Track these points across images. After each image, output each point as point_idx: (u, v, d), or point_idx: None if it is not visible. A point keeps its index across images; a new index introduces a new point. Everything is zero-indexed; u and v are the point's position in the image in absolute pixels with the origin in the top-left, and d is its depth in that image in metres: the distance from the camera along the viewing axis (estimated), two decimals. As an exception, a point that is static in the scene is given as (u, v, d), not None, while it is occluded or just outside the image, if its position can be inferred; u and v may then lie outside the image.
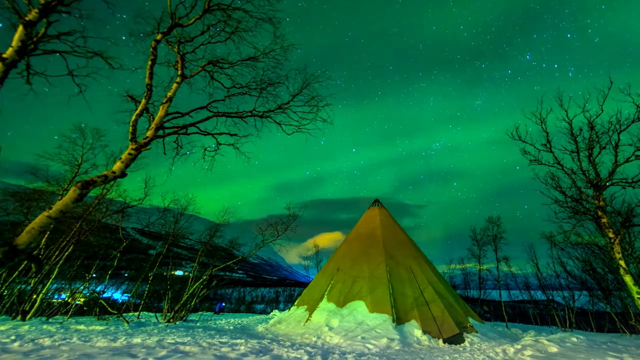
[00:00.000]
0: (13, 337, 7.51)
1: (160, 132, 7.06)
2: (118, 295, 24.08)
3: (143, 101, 6.54)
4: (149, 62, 6.64)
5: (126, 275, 27.43)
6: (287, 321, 12.79)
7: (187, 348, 7.12)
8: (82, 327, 10.48)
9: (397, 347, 9.20)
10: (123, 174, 6.06)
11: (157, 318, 14.31)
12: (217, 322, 14.75)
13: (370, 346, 9.08)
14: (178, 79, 7.15)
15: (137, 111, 6.41)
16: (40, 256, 11.90)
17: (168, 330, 10.23)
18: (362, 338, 9.75)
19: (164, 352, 6.55)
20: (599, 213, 8.01)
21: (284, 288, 69.55)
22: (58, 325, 10.41)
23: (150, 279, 15.93)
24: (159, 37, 6.83)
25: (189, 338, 8.49)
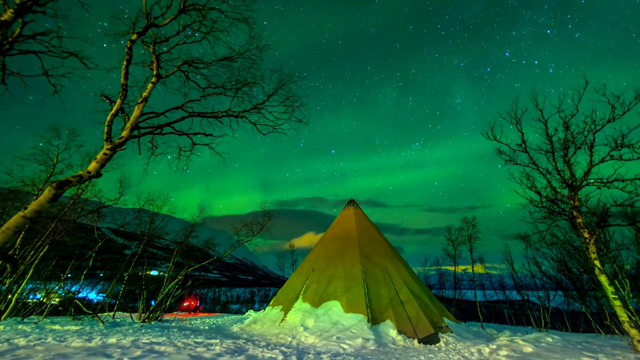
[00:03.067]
0: (-13, 337, 7.83)
1: (136, 132, 7.45)
2: (93, 295, 24.72)
3: (118, 101, 6.89)
4: (124, 62, 6.93)
5: (101, 275, 28.09)
6: (262, 321, 13.30)
7: (163, 348, 7.46)
8: (57, 327, 10.83)
9: (373, 347, 9.72)
10: (98, 174, 6.42)
11: (132, 318, 14.85)
12: (192, 322, 15.27)
13: (346, 346, 9.59)
14: (153, 79, 7.49)
15: (112, 111, 6.72)
16: (16, 256, 12.11)
17: (143, 330, 10.64)
18: (338, 338, 10.28)
19: (139, 352, 6.90)
20: (574, 213, 8.51)
21: (259, 288, 71.25)
22: (33, 325, 10.76)
23: (126, 279, 16.49)
24: (134, 37, 7.19)
25: (164, 338, 8.90)
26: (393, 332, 11.00)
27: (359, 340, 10.04)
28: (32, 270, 12.52)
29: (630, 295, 8.87)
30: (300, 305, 12.91)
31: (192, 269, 15.69)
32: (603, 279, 8.17)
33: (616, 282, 8.98)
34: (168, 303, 14.97)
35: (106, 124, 6.61)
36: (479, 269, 19.60)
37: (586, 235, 8.27)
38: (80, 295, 17.01)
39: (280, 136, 8.95)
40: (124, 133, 6.88)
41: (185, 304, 24.62)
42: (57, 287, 14.68)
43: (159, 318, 15.09)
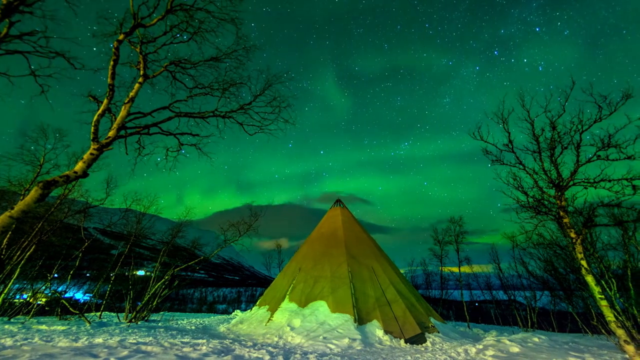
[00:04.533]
0: (-27, 338, 7.96)
1: (123, 132, 7.75)
2: (80, 295, 25.04)
3: (105, 101, 7.08)
4: (111, 62, 7.11)
5: (88, 275, 28.45)
6: (249, 321, 13.57)
7: (149, 348, 7.65)
8: (43, 327, 11.08)
9: (359, 347, 9.96)
10: (85, 174, 6.61)
11: (119, 318, 15.08)
12: (179, 322, 15.58)
13: (332, 346, 9.82)
14: (140, 79, 7.70)
15: (99, 111, 6.90)
16: (2, 256, 12.42)
17: (130, 330, 10.90)
18: (324, 338, 10.53)
19: (125, 352, 7.05)
20: (561, 213, 8.65)
21: (246, 288, 72.77)
22: (20, 325, 11.04)
23: (112, 279, 16.75)
24: (121, 37, 7.38)
25: (150, 338, 9.17)
26: (380, 332, 11.26)
27: (346, 340, 10.29)
28: (18, 270, 12.70)
29: (617, 295, 9.12)
30: (286, 305, 13.21)
31: (178, 269, 16.01)
32: (590, 279, 8.44)
33: (603, 282, 9.22)
34: (155, 303, 15.26)
35: (93, 124, 6.82)
36: (465, 269, 20.18)
37: (573, 235, 8.54)
38: (66, 295, 17.32)
39: (268, 137, 9.32)
40: (111, 133, 7.08)
41: None
42: (43, 287, 14.88)
43: (146, 318, 15.37)
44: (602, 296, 8.21)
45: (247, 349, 8.45)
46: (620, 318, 8.80)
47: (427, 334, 11.88)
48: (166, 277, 15.52)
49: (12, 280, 12.76)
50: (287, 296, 13.81)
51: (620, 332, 7.76)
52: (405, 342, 11.18)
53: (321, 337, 10.67)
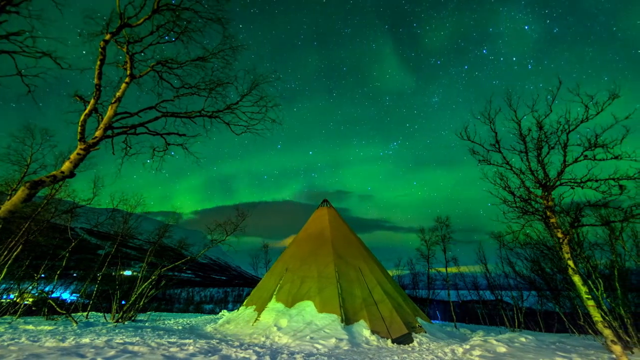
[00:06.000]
0: (-40, 338, 8.02)
1: (109, 132, 7.97)
2: (67, 295, 25.29)
3: (92, 101, 7.23)
4: (98, 62, 7.29)
5: (75, 275, 28.84)
6: (235, 321, 13.76)
7: (136, 348, 7.77)
8: (30, 327, 11.26)
9: (346, 347, 10.20)
10: (72, 174, 6.77)
11: (105, 318, 15.28)
12: (166, 322, 15.84)
13: (319, 346, 10.07)
14: (127, 79, 7.89)
15: (86, 111, 7.10)
16: None
17: (117, 330, 11.06)
18: (311, 338, 10.77)
19: (112, 352, 7.18)
20: (548, 213, 8.72)
21: (233, 288, 73.64)
22: (7, 325, 11.20)
23: (99, 279, 17.11)
24: (107, 37, 7.49)
25: (137, 338, 9.34)
26: (366, 332, 11.51)
27: (333, 340, 10.50)
28: (5, 270, 12.89)
29: (604, 295, 9.45)
30: (273, 305, 13.45)
31: (165, 269, 16.24)
32: (576, 279, 8.71)
33: (590, 282, 9.52)
34: (142, 303, 15.49)
35: (80, 124, 7.02)
36: (452, 269, 20.71)
37: (560, 235, 8.83)
38: (53, 295, 17.61)
39: (255, 137, 9.63)
40: (98, 133, 7.30)
41: None
42: (30, 287, 15.10)
43: (133, 318, 15.61)
44: (589, 296, 8.35)
45: (234, 349, 8.59)
46: (607, 318, 9.10)
47: (414, 334, 12.14)
48: (153, 277, 15.76)
49: (-1, 280, 13.09)
50: (274, 296, 14.04)
51: (607, 332, 7.87)
52: (392, 342, 11.36)
53: (308, 337, 10.86)
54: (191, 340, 9.29)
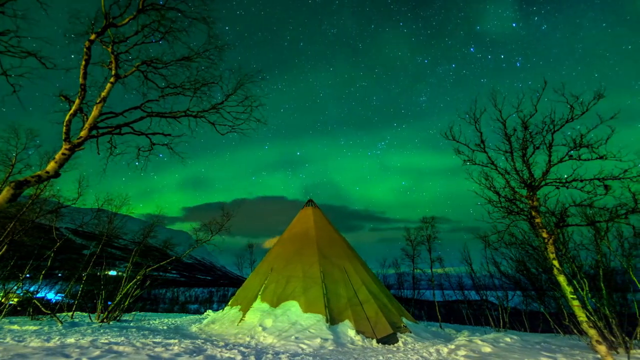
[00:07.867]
0: (-56, 339, 8.14)
1: (94, 132, 8.22)
2: (52, 295, 25.65)
3: (77, 101, 7.36)
4: (83, 62, 7.43)
5: (60, 275, 29.12)
6: (220, 321, 14.03)
7: (121, 348, 8.08)
8: (15, 327, 11.50)
9: (331, 347, 10.51)
10: (57, 174, 6.92)
11: (90, 318, 15.56)
12: (151, 322, 16.09)
13: (304, 346, 10.34)
14: (112, 79, 8.05)
15: (71, 111, 7.26)
16: None
17: (102, 330, 11.24)
18: (296, 338, 11.04)
19: (97, 352, 7.48)
20: (533, 213, 8.83)
21: (218, 288, 73.76)
22: None
23: (84, 279, 17.34)
24: (92, 37, 7.61)
25: (122, 338, 9.53)
26: (352, 332, 11.82)
27: (318, 340, 10.76)
28: (-10, 270, 13.08)
29: (589, 295, 9.82)
30: (258, 305, 13.73)
31: (150, 269, 16.50)
32: (562, 279, 9.06)
33: (575, 282, 9.82)
34: (127, 303, 15.73)
35: (65, 124, 7.21)
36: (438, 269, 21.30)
37: (545, 235, 9.19)
38: (38, 295, 17.95)
39: (240, 136, 9.99)
40: (83, 133, 7.48)
41: None
42: (15, 287, 15.33)
43: (118, 318, 15.86)
44: (574, 296, 8.62)
45: (219, 349, 8.86)
46: (592, 318, 9.42)
47: (399, 334, 12.44)
48: (138, 277, 16.02)
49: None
50: (259, 296, 14.30)
51: (592, 332, 8.10)
52: (377, 342, 11.61)
53: (293, 337, 11.12)
54: (176, 340, 9.52)
